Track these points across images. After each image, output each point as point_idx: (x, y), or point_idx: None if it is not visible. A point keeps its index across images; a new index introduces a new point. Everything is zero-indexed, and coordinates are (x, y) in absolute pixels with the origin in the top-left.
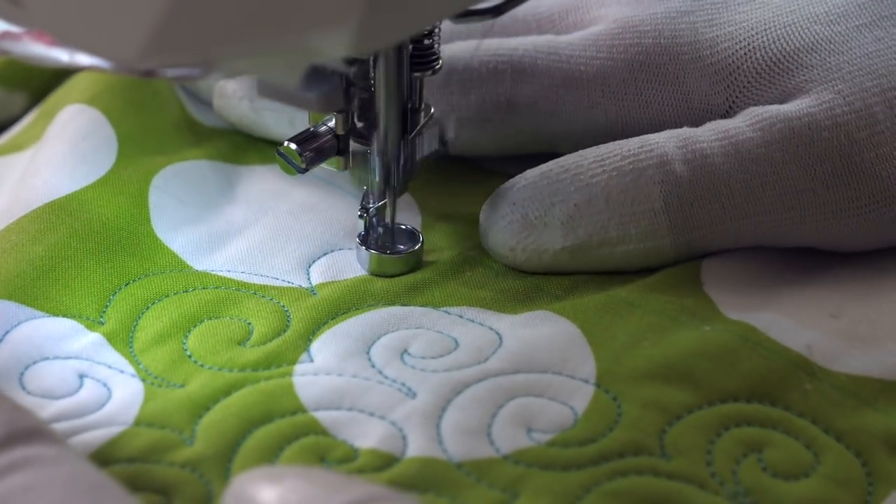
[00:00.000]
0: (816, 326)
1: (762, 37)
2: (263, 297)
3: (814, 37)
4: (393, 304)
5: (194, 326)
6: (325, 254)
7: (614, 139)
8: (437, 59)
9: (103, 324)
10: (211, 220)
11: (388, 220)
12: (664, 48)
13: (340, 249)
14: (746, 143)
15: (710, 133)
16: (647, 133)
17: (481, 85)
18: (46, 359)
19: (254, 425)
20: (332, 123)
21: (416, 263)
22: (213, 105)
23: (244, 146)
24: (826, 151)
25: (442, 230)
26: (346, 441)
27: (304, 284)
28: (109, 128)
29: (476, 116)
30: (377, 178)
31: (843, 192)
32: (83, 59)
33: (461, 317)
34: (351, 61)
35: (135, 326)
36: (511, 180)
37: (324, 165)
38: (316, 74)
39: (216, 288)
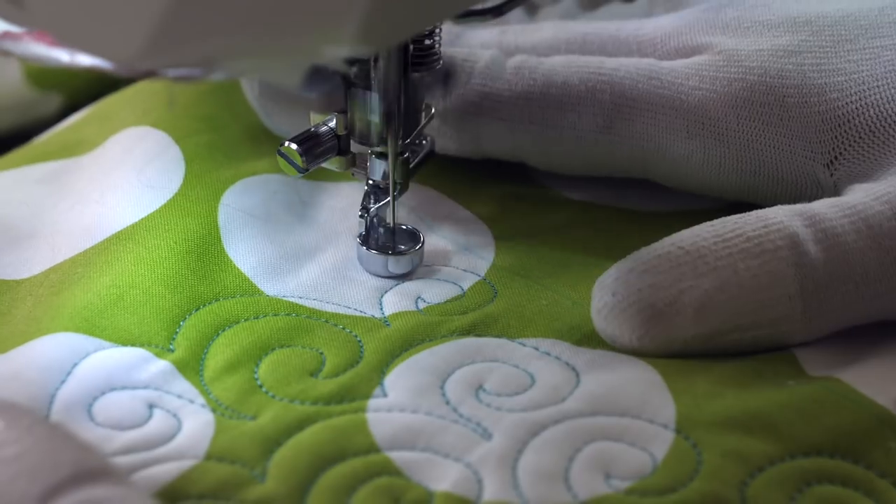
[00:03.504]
0: None
1: (875, 94)
2: (336, 325)
3: None
4: (467, 334)
5: (265, 354)
6: (398, 284)
7: (709, 173)
8: (438, 59)
9: (173, 351)
10: (281, 240)
11: (389, 220)
12: (770, 88)
13: (412, 280)
14: (877, 217)
15: (834, 210)
16: (746, 174)
17: (579, 103)
18: (115, 389)
19: (327, 463)
20: (332, 123)
21: (418, 264)
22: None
23: None
24: None
25: (515, 254)
26: (421, 483)
27: (377, 315)
28: (176, 148)
29: (571, 134)
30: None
31: None
32: (84, 58)
33: (537, 349)
34: (351, 61)
35: (205, 354)
36: (622, 263)
37: (324, 165)
38: (317, 74)
39: (287, 315)
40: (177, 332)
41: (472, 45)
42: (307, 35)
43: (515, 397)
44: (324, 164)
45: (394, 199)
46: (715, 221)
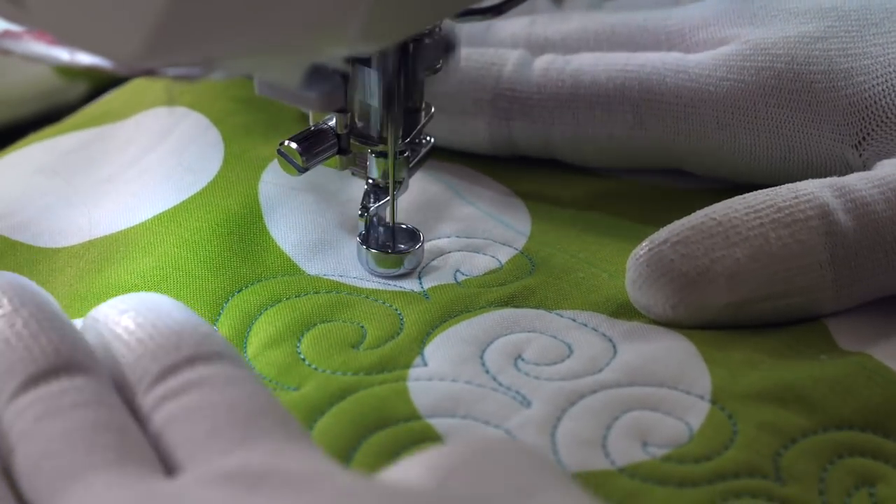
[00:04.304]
0: None
1: None
2: (376, 300)
3: None
4: (506, 305)
5: (307, 330)
6: (436, 258)
7: (741, 160)
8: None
9: (217, 330)
10: (322, 217)
11: (388, 219)
12: (797, 74)
13: (450, 252)
14: None
15: (863, 182)
16: (776, 160)
17: (609, 101)
18: None
19: (369, 431)
20: (332, 122)
21: (417, 262)
22: None
23: None
24: None
25: (551, 228)
26: None
27: (416, 288)
28: (214, 130)
29: (602, 132)
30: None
31: None
32: (84, 57)
33: (574, 321)
34: (352, 60)
35: (248, 332)
36: (655, 235)
37: (323, 165)
38: (316, 73)
39: (328, 292)
40: (220, 313)
41: (501, 37)
42: (308, 34)
43: (554, 366)
44: (323, 164)
45: (394, 197)
46: (747, 194)
